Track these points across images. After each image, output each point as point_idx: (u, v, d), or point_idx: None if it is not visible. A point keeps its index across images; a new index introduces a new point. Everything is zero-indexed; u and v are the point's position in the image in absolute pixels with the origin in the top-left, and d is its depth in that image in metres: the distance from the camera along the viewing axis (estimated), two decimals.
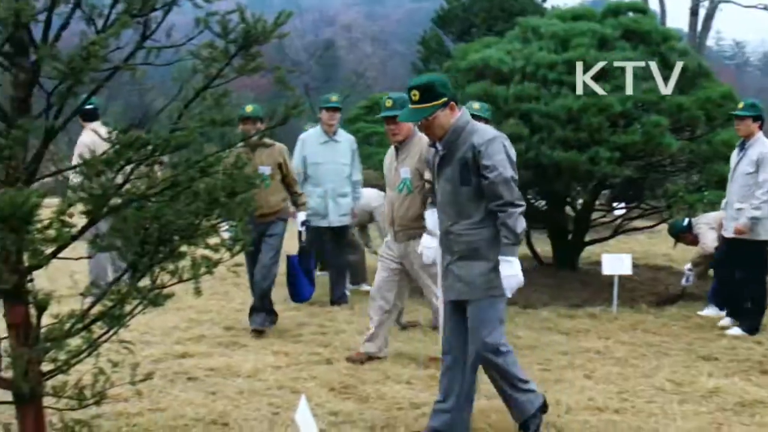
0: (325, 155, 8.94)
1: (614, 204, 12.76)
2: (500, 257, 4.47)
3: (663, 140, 8.76)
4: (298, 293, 8.37)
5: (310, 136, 9.10)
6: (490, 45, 10.33)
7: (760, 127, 7.84)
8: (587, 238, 11.28)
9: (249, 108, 7.68)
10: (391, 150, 6.77)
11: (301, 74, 48.67)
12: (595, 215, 11.48)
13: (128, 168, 3.07)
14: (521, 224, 4.48)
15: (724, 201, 8.30)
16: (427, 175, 5.95)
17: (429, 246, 5.96)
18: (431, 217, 5.52)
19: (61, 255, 3.40)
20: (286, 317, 8.10)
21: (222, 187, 3.24)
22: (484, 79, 9.55)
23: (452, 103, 4.51)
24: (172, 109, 3.33)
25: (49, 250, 3.11)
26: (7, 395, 3.60)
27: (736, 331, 7.82)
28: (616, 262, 8.88)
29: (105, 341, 3.67)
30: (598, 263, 9.80)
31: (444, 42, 26.43)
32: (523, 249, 12.07)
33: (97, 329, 3.54)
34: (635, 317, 8.49)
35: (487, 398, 5.59)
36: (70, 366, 3.51)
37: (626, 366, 6.56)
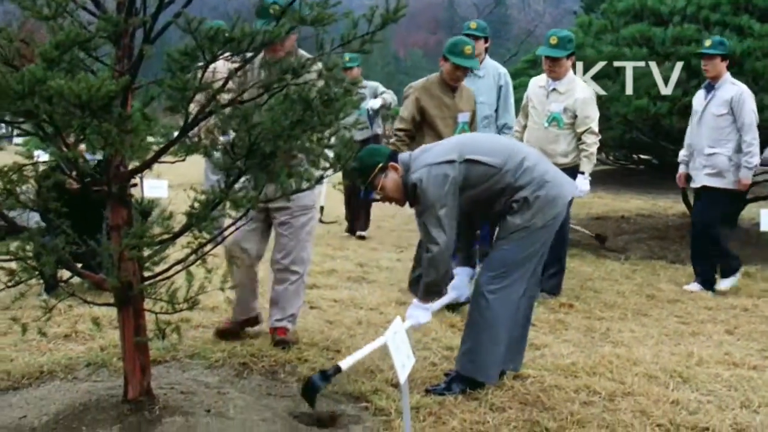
0: None
1: None
2: (414, 300, 4.44)
3: None
4: None
5: None
6: None
7: (728, 67, 7.01)
8: (750, 195, 10.53)
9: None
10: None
11: None
12: (759, 171, 10.69)
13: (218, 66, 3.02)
14: (434, 274, 4.32)
15: (682, 152, 7.45)
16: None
17: None
18: None
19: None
20: None
21: (317, 92, 3.15)
22: (641, 20, 9.05)
23: (391, 163, 4.37)
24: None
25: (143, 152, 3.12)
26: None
27: (695, 286, 7.21)
28: None
29: (208, 252, 3.69)
30: None
31: None
32: (679, 206, 11.52)
33: (201, 239, 3.55)
34: None
35: (612, 344, 5.35)
36: (172, 274, 3.56)
37: None
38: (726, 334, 5.76)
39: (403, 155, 4.49)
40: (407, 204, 4.52)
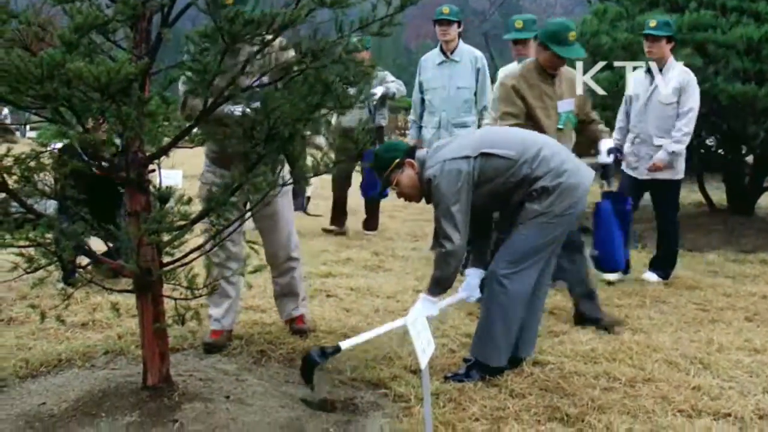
0: (439, 79, 7.57)
1: None
2: (422, 294, 4.33)
3: None
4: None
5: (429, 57, 7.81)
6: None
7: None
8: (766, 183, 10.47)
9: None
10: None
11: (482, 23, 48.08)
12: None
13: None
14: (445, 269, 4.25)
15: (630, 136, 7.01)
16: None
17: None
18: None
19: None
20: None
21: (336, 74, 3.12)
22: (657, 7, 8.98)
23: (407, 159, 4.35)
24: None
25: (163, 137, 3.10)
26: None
27: (652, 276, 6.98)
28: None
29: (226, 237, 3.69)
30: None
31: None
32: (696, 194, 11.44)
33: (219, 225, 3.55)
34: None
35: (632, 331, 5.31)
36: (191, 260, 3.55)
37: None
38: (745, 321, 5.71)
39: (420, 151, 4.46)
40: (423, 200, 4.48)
